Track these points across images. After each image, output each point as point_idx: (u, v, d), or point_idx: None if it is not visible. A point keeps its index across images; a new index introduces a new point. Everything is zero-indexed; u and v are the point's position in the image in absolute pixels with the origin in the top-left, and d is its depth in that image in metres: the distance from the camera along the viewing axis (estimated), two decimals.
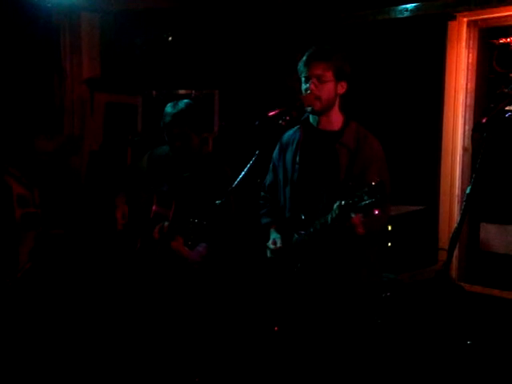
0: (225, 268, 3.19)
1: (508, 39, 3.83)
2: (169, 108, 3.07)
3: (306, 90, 2.67)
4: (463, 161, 4.07)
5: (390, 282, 3.52)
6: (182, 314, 3.11)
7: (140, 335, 3.21)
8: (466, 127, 4.04)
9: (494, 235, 3.97)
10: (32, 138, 4.78)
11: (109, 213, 3.22)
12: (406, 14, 4.03)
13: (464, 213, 2.27)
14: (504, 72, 3.87)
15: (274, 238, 2.85)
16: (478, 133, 2.32)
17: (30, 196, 4.24)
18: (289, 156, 2.85)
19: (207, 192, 2.98)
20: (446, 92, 4.05)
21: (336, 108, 2.75)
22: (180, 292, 3.09)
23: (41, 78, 4.90)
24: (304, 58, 2.69)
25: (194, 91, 4.49)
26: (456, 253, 4.03)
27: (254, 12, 4.69)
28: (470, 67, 4.00)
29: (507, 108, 2.35)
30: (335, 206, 2.44)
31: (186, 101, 3.11)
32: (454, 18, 3.95)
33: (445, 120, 4.07)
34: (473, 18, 3.93)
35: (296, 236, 2.74)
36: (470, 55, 3.99)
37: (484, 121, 2.29)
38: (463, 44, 3.97)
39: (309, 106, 2.66)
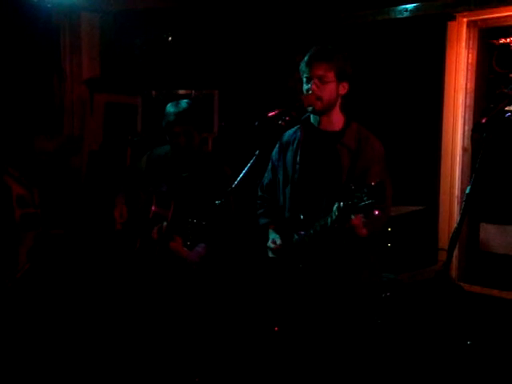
0: (223, 269, 3.19)
1: (508, 39, 3.83)
2: (171, 107, 3.08)
3: (308, 90, 2.67)
4: (463, 161, 4.07)
5: (389, 282, 3.52)
6: (181, 314, 3.11)
7: (139, 335, 3.21)
8: (466, 127, 4.04)
9: (493, 235, 3.97)
10: (32, 138, 4.78)
11: (108, 213, 3.23)
12: (406, 14, 4.04)
13: (464, 213, 2.27)
14: (504, 72, 3.87)
15: (274, 238, 2.85)
16: (477, 133, 2.31)
17: (29, 196, 4.23)
18: (289, 156, 2.84)
19: (206, 192, 2.98)
20: (446, 92, 4.05)
21: (337, 108, 2.74)
22: (179, 292, 3.09)
23: (41, 78, 4.89)
24: (306, 58, 2.69)
25: (193, 91, 4.50)
26: (456, 253, 4.03)
27: (254, 12, 4.70)
28: (469, 67, 4.00)
29: (507, 108, 2.35)
30: (334, 207, 2.43)
31: (187, 100, 3.14)
32: (453, 18, 3.95)
33: (444, 120, 4.07)
34: (472, 18, 3.93)
35: (296, 236, 2.73)
36: (470, 55, 3.99)
37: (484, 121, 2.29)
38: (463, 44, 3.97)
39: (309, 106, 2.66)
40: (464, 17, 3.94)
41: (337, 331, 2.72)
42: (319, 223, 2.57)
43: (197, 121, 3.09)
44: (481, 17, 3.89)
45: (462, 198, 4.01)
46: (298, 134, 2.84)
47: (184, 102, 3.09)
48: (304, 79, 2.70)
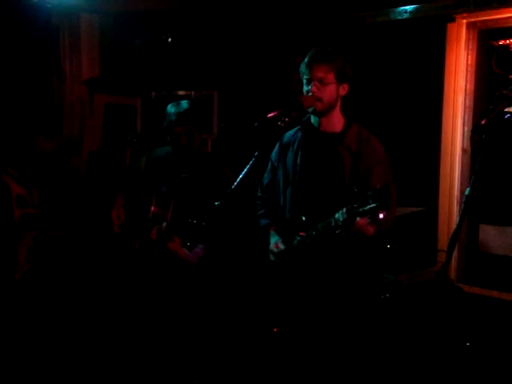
0: (223, 269, 3.19)
1: (507, 41, 3.83)
2: (172, 108, 3.09)
3: (308, 92, 2.67)
4: (462, 162, 4.06)
5: (389, 284, 3.52)
6: (180, 315, 3.11)
7: (138, 336, 3.21)
8: (465, 128, 4.04)
9: (492, 237, 3.97)
10: (31, 138, 4.77)
11: (107, 214, 3.22)
12: (406, 15, 4.04)
13: (463, 214, 2.27)
14: (503, 74, 3.87)
15: (276, 241, 2.84)
16: (477, 134, 2.32)
17: (28, 196, 4.23)
18: (289, 157, 2.84)
19: (206, 193, 2.98)
20: (446, 93, 4.05)
21: (337, 110, 2.75)
22: (178, 293, 3.08)
23: (40, 79, 4.89)
24: (306, 59, 2.69)
25: (193, 92, 4.50)
26: (455, 254, 4.03)
27: (254, 13, 4.70)
28: (469, 69, 3.99)
29: (506, 110, 2.36)
30: (341, 211, 2.43)
31: (187, 100, 3.15)
32: (453, 19, 3.95)
33: (444, 121, 4.07)
34: (472, 19, 3.93)
35: (298, 238, 2.73)
36: (470, 57, 3.99)
37: (483, 122, 2.29)
38: (462, 45, 3.97)
39: (309, 107, 2.66)
40: (463, 18, 3.94)
41: (337, 332, 2.72)
42: (322, 224, 2.57)
43: (197, 120, 3.11)
44: (480, 18, 3.89)
45: (461, 199, 4.01)
46: (299, 135, 2.84)
47: (185, 103, 3.10)
48: (304, 81, 2.70)
